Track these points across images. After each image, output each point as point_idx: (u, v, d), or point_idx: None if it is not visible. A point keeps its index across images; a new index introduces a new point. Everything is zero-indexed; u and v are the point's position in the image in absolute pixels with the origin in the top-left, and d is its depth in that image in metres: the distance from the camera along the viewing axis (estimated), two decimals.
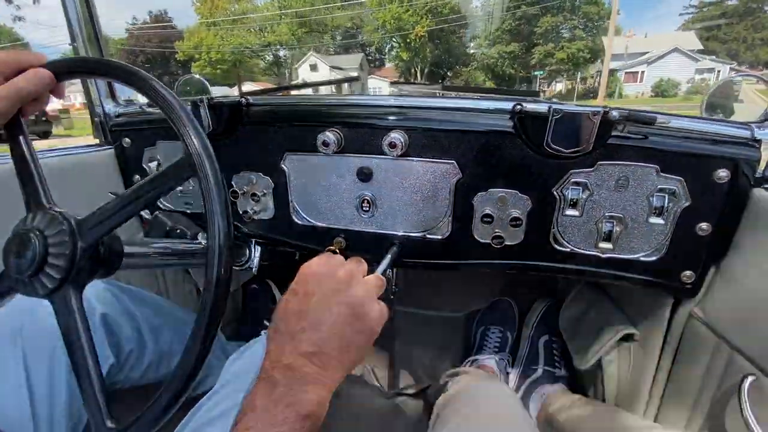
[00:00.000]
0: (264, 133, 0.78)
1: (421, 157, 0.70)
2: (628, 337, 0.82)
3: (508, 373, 1.15)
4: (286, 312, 0.46)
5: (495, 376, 1.09)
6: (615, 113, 0.57)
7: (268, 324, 1.24)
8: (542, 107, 0.61)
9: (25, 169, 0.50)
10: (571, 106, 0.59)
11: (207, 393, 0.63)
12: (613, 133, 0.61)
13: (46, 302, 0.47)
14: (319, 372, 0.42)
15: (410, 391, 1.20)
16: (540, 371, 1.10)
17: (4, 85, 0.47)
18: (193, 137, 0.45)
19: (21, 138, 0.51)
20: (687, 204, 0.62)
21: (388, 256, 0.73)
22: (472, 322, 1.31)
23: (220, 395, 0.62)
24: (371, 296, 0.49)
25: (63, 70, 0.50)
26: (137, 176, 0.94)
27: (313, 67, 36.21)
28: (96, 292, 0.73)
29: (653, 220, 0.64)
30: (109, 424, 0.45)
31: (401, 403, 1.17)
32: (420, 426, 1.10)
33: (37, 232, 0.46)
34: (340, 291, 0.47)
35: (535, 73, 33.61)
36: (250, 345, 0.72)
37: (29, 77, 0.48)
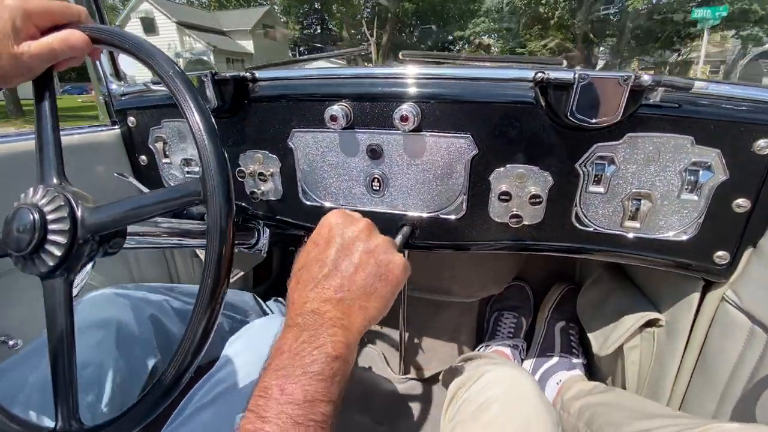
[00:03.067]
0: (270, 108, 0.75)
1: (435, 132, 0.66)
2: (651, 323, 0.78)
3: (522, 360, 1.12)
4: (307, 261, 0.46)
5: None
6: (647, 78, 0.52)
7: None
8: (567, 74, 0.56)
9: (44, 134, 0.49)
10: (598, 72, 0.55)
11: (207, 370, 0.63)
12: (644, 102, 0.56)
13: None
14: (344, 317, 0.42)
15: (421, 376, 1.19)
16: (556, 358, 1.06)
17: (36, 43, 0.45)
18: (195, 114, 0.43)
19: (47, 100, 0.49)
20: (723, 178, 0.57)
21: (399, 237, 0.70)
22: (485, 308, 1.28)
23: (223, 374, 0.62)
24: (392, 247, 0.49)
25: (100, 38, 0.48)
26: (143, 157, 0.92)
27: (148, 26, 19.78)
28: (145, 295, 0.74)
29: (685, 196, 0.60)
30: (72, 423, 0.44)
31: (412, 388, 1.15)
32: (431, 411, 1.08)
33: (40, 213, 0.45)
34: (361, 239, 0.47)
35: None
36: (250, 326, 0.71)
37: (66, 39, 0.46)
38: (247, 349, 0.65)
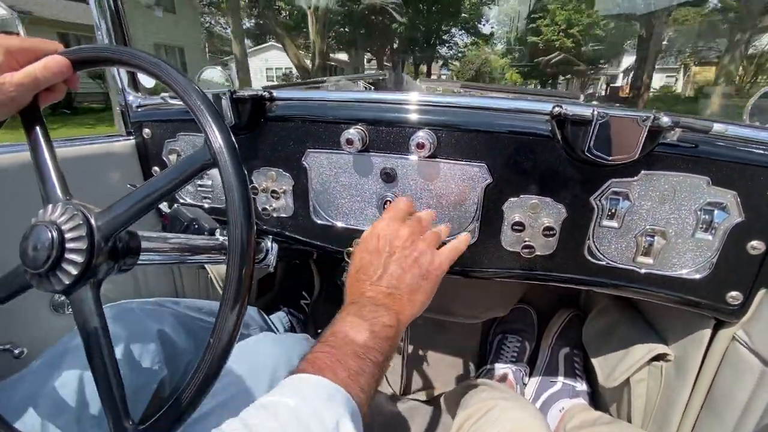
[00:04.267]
0: (286, 128, 0.75)
1: (449, 159, 0.67)
2: (660, 357, 0.78)
3: (525, 384, 1.11)
4: (362, 265, 0.57)
5: (513, 389, 1.05)
6: (666, 119, 0.53)
7: (306, 295, 1.26)
8: (585, 110, 0.57)
9: (41, 159, 0.49)
10: (617, 110, 0.55)
11: None
12: (662, 141, 0.57)
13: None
14: (395, 305, 0.53)
15: (423, 397, 1.17)
16: (559, 384, 1.05)
17: (19, 72, 0.45)
18: (215, 129, 0.43)
19: (38, 127, 0.49)
20: (739, 220, 0.57)
21: None
22: (489, 330, 1.27)
23: (214, 389, 0.61)
24: (432, 249, 0.59)
25: (80, 58, 0.48)
26: (156, 168, 0.92)
27: None
28: (152, 309, 0.74)
29: (700, 235, 0.60)
30: (126, 424, 0.43)
31: (413, 408, 1.14)
32: None
33: (54, 226, 0.45)
34: (407, 247, 0.57)
35: None
36: (245, 343, 0.71)
37: (45, 65, 0.46)
38: (239, 364, 0.65)
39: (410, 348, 1.21)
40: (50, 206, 0.48)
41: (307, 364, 0.42)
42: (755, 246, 0.58)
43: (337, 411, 0.37)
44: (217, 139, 0.43)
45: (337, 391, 0.39)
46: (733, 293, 0.62)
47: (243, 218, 0.42)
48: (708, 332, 0.68)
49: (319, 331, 0.91)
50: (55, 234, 0.44)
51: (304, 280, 1.36)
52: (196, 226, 0.78)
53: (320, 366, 0.41)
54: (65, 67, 0.47)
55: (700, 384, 0.71)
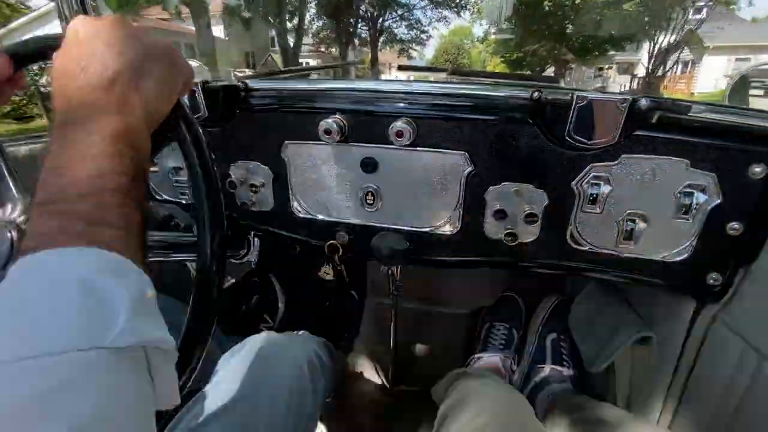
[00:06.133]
0: (263, 119, 0.73)
1: (430, 148, 0.65)
2: (643, 340, 0.78)
3: (513, 371, 1.12)
4: (62, 69, 0.37)
5: (503, 377, 1.06)
6: (645, 102, 0.52)
7: (268, 318, 1.21)
8: (564, 94, 0.56)
9: None
10: (596, 94, 0.54)
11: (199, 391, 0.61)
12: (641, 124, 0.56)
13: None
14: (118, 101, 0.36)
15: (412, 387, 1.18)
16: (547, 370, 1.06)
17: None
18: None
19: None
20: (717, 201, 0.57)
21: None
22: (477, 319, 1.27)
23: (215, 394, 0.60)
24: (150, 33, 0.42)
25: (21, 53, 0.43)
26: None
27: None
28: None
29: (680, 218, 0.59)
30: None
31: (403, 399, 1.14)
32: (421, 423, 1.07)
33: (13, 226, 0.43)
34: (116, 26, 0.39)
35: None
36: (244, 343, 0.69)
37: None
38: (241, 367, 0.63)
39: (399, 339, 1.21)
40: (9, 206, 0.46)
41: (29, 242, 0.30)
42: (734, 227, 0.58)
43: (72, 270, 0.27)
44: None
45: (69, 251, 0.29)
46: (714, 275, 0.62)
47: (209, 211, 0.40)
48: (690, 314, 0.69)
49: None
50: (14, 234, 0.43)
51: (267, 300, 1.27)
52: (172, 223, 0.75)
53: (46, 236, 0.30)
54: (4, 62, 0.42)
55: (682, 366, 0.72)
